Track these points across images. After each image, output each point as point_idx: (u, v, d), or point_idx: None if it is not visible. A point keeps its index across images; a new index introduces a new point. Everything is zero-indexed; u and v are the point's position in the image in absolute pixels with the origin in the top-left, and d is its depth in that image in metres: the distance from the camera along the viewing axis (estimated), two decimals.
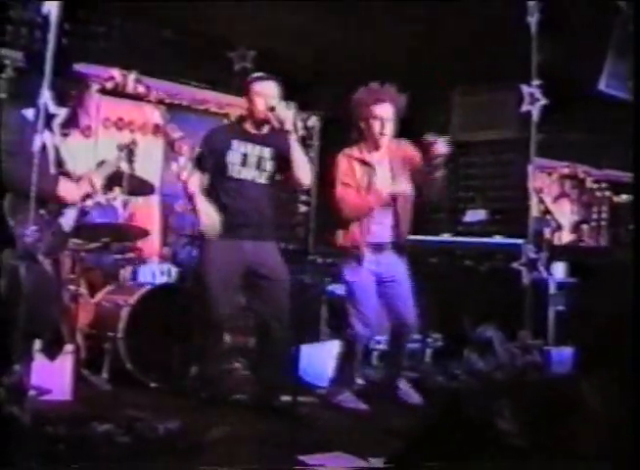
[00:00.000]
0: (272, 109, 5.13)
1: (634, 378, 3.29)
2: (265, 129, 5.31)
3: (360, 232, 5.56)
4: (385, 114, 5.58)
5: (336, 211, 5.65)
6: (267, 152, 5.32)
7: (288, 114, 5.13)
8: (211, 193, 5.26)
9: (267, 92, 5.23)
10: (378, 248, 5.63)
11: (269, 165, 5.34)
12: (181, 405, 5.26)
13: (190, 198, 5.26)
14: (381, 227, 5.63)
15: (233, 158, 5.26)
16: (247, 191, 5.28)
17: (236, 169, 5.26)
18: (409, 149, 5.71)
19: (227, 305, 5.33)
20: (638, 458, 2.94)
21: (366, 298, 5.60)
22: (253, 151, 5.30)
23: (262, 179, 5.34)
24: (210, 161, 5.27)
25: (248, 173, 5.29)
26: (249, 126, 5.35)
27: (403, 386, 5.75)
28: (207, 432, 4.54)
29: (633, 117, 4.63)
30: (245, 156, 5.27)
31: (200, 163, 5.30)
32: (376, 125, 5.57)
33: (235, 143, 5.27)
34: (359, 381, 5.91)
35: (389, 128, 5.61)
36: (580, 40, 6.80)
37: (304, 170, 5.26)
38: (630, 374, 3.39)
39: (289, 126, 5.11)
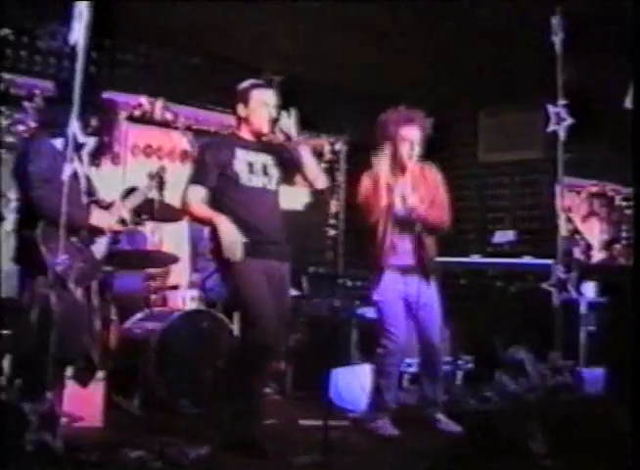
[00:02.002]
0: (275, 120, 5.06)
1: None
2: (264, 137, 5.19)
3: (383, 252, 5.55)
4: (413, 136, 5.59)
5: (361, 228, 5.65)
6: (270, 159, 5.19)
7: (290, 123, 5.03)
8: (222, 206, 5.05)
9: (269, 101, 5.13)
10: (403, 270, 5.62)
11: (275, 172, 5.21)
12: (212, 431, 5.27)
13: (203, 220, 5.16)
14: (403, 249, 5.62)
15: (240, 166, 5.07)
16: (260, 199, 5.11)
17: (246, 177, 5.07)
18: (432, 172, 5.73)
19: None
20: None
21: (394, 317, 5.58)
22: (257, 158, 5.14)
23: (272, 185, 5.20)
24: (215, 172, 5.05)
25: (258, 181, 5.11)
26: (247, 135, 5.19)
27: (442, 417, 5.69)
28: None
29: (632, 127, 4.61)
30: (250, 164, 5.10)
31: (201, 177, 5.11)
32: (404, 148, 5.58)
33: (239, 152, 5.10)
34: (393, 405, 5.76)
35: (417, 151, 5.61)
36: (605, 58, 6.79)
37: (316, 174, 5.20)
38: None
39: (294, 135, 5.03)
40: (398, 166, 5.64)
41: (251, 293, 4.92)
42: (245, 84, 5.25)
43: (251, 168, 5.11)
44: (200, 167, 5.11)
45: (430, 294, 5.68)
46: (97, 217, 5.10)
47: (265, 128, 5.10)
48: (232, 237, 4.86)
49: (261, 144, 5.18)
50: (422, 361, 5.80)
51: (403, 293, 5.63)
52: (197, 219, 5.28)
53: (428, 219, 5.62)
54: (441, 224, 5.71)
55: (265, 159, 5.17)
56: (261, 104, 5.11)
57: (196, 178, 5.08)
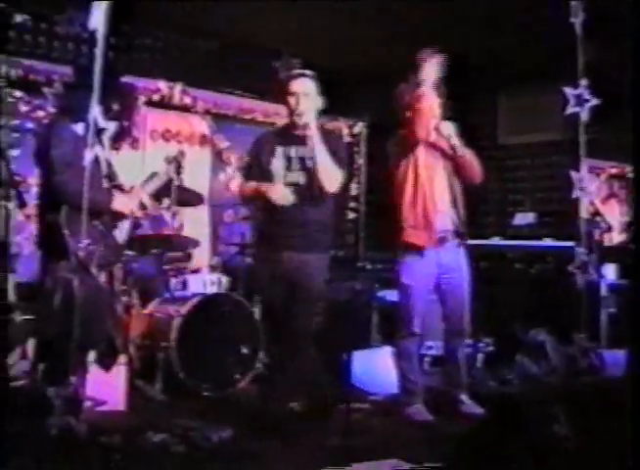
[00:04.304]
0: (317, 110, 5.03)
1: None
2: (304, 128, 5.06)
3: (425, 223, 5.47)
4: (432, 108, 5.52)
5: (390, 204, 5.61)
6: (309, 151, 5.05)
7: (308, 113, 4.98)
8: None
9: (298, 90, 5.05)
10: (441, 239, 5.56)
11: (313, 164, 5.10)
12: (234, 414, 5.29)
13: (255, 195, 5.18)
14: (441, 215, 5.52)
15: (278, 164, 5.08)
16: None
17: (281, 175, 5.07)
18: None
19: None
20: None
21: (421, 300, 5.53)
22: (297, 152, 5.08)
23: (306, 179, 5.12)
24: (257, 170, 5.13)
25: (292, 177, 5.07)
26: (291, 128, 5.15)
27: (465, 399, 5.65)
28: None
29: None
30: (289, 159, 5.07)
31: (247, 172, 5.25)
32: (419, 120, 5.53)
33: (279, 149, 5.09)
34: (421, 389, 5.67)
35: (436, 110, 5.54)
36: (626, 39, 6.73)
37: (328, 176, 4.98)
38: None
39: (313, 130, 4.96)
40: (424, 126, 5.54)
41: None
42: (284, 75, 5.24)
43: (290, 165, 5.08)
44: (245, 163, 5.34)
45: (459, 260, 5.61)
46: (119, 202, 5.11)
47: (305, 119, 5.00)
48: (281, 192, 4.98)
49: (304, 136, 5.04)
50: (446, 343, 5.75)
51: (438, 264, 5.54)
52: (249, 197, 5.34)
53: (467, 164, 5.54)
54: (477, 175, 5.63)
55: (305, 151, 5.06)
56: (290, 94, 5.05)
57: (243, 173, 5.26)
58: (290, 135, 5.12)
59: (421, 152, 5.52)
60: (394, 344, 5.79)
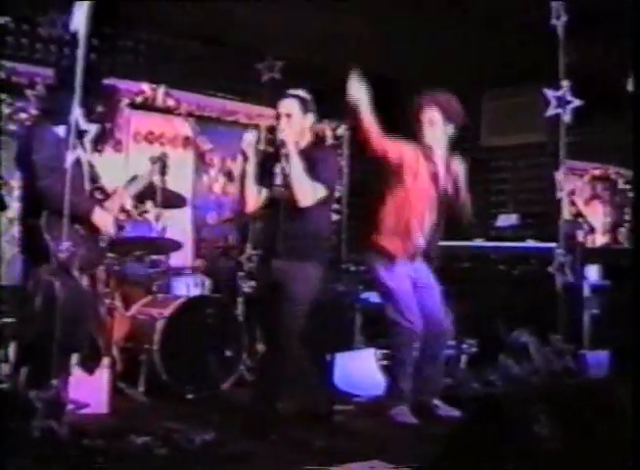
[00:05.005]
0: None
1: None
2: (302, 145, 5.18)
3: (405, 232, 5.55)
4: (432, 118, 5.59)
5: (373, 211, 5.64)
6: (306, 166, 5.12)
7: (285, 132, 5.08)
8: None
9: (281, 111, 5.18)
10: (413, 254, 5.63)
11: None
12: (217, 416, 5.29)
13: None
14: (417, 232, 5.62)
15: (275, 180, 5.11)
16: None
17: (278, 191, 5.10)
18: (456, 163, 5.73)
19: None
20: None
21: (410, 305, 5.55)
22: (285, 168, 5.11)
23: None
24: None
25: (280, 191, 5.11)
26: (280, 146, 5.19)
27: (439, 403, 5.67)
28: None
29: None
30: (284, 176, 5.09)
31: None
32: (425, 128, 5.59)
33: (277, 166, 5.13)
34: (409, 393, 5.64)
35: (439, 133, 5.62)
36: (608, 40, 6.77)
37: (301, 191, 5.02)
38: None
39: (289, 148, 5.03)
40: (425, 147, 5.63)
41: None
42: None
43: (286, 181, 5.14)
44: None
45: (430, 276, 5.69)
46: (99, 218, 5.09)
47: (283, 137, 5.08)
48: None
49: (300, 152, 5.12)
50: (424, 346, 5.73)
51: (412, 277, 5.62)
52: None
53: (457, 201, 5.64)
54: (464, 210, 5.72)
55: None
56: (282, 115, 5.17)
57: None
58: (281, 153, 5.16)
59: (422, 164, 5.57)
60: (385, 347, 5.79)
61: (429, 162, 5.61)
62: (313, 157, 5.13)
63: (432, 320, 5.61)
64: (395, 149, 5.54)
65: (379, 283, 5.72)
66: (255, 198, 5.20)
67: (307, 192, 5.05)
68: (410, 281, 5.61)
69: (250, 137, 5.18)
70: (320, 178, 5.09)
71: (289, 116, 5.14)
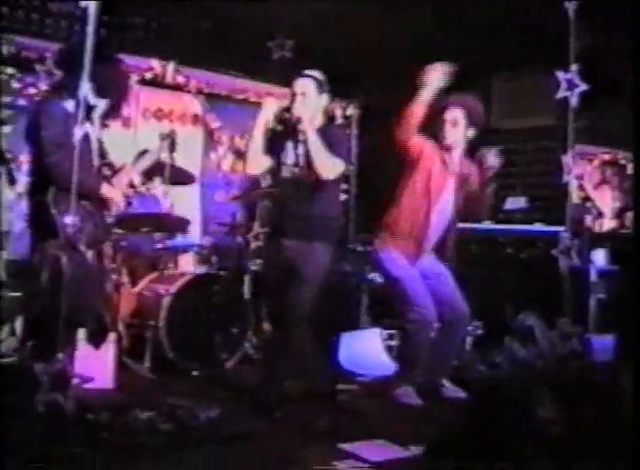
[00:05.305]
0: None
1: None
2: (316, 124, 5.16)
3: (422, 238, 5.59)
4: (454, 118, 5.59)
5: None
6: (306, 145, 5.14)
7: (301, 109, 5.09)
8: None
9: (297, 90, 5.18)
10: (419, 253, 5.64)
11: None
12: (222, 393, 5.31)
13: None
14: (431, 234, 5.65)
15: (287, 159, 5.19)
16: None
17: (289, 170, 5.17)
18: (469, 167, 5.72)
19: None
20: None
21: (419, 291, 5.52)
22: (299, 147, 5.17)
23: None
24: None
25: (294, 170, 5.18)
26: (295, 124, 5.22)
27: (447, 383, 5.69)
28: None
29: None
30: (297, 156, 5.16)
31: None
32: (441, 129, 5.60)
33: (289, 144, 5.19)
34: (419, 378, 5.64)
35: (459, 133, 5.61)
36: (618, 24, 6.73)
37: (322, 165, 5.03)
38: None
39: (305, 125, 5.05)
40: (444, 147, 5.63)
41: None
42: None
43: (297, 161, 5.17)
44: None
45: (439, 264, 5.69)
46: (107, 191, 5.10)
47: (298, 115, 5.10)
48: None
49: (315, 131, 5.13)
50: (443, 331, 5.67)
51: (420, 268, 5.63)
52: None
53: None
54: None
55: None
56: (298, 95, 5.17)
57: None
58: (297, 130, 5.18)
59: (438, 163, 5.59)
60: (391, 327, 5.78)
61: (446, 161, 5.60)
62: (327, 135, 5.12)
63: (448, 307, 5.60)
64: (418, 144, 5.54)
65: (384, 273, 5.73)
66: (259, 163, 5.21)
67: (328, 165, 5.06)
68: (418, 269, 5.61)
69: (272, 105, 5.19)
70: (337, 154, 5.11)
71: (304, 95, 5.14)
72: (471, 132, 5.64)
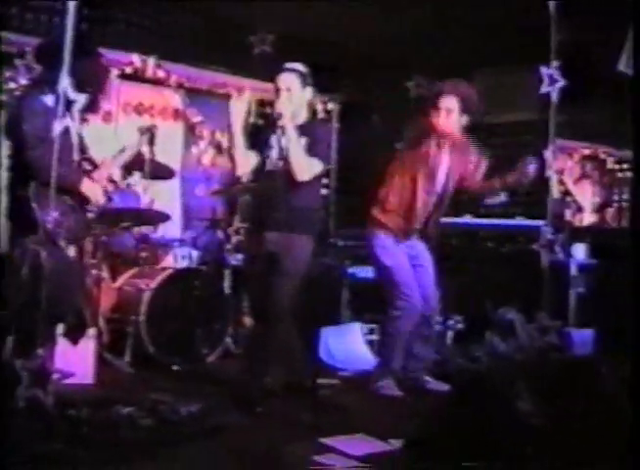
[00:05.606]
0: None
1: None
2: (299, 120, 5.16)
3: (411, 215, 5.59)
4: (449, 105, 5.59)
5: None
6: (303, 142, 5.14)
7: (283, 105, 5.06)
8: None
9: (281, 85, 5.16)
10: (411, 231, 5.65)
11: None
12: (203, 388, 5.31)
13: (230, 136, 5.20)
14: (422, 211, 5.66)
15: (270, 152, 5.18)
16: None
17: (273, 163, 5.15)
18: (470, 151, 5.76)
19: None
20: None
21: (408, 279, 5.57)
22: (281, 141, 5.12)
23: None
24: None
25: (276, 164, 5.15)
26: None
27: (428, 377, 5.71)
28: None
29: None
30: (280, 149, 5.12)
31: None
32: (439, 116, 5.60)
33: (273, 138, 5.16)
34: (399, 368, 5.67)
35: (453, 120, 5.61)
36: (599, 20, 6.76)
37: (298, 166, 5.02)
38: None
39: (285, 121, 5.01)
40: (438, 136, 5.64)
41: None
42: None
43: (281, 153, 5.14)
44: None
45: (426, 254, 5.71)
46: (88, 188, 5.10)
47: (280, 111, 5.07)
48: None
49: (298, 127, 5.12)
50: (419, 323, 5.69)
51: (409, 255, 5.65)
52: None
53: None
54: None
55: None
56: (282, 90, 5.14)
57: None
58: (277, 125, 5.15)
59: (432, 147, 5.59)
60: (373, 321, 5.80)
61: (439, 147, 5.62)
62: (309, 132, 5.13)
63: (426, 298, 5.63)
64: (425, 125, 5.57)
65: (375, 260, 5.73)
66: (247, 161, 5.19)
67: (305, 167, 5.06)
68: (407, 258, 5.63)
69: (239, 102, 5.17)
70: (316, 154, 5.11)
71: (289, 90, 5.13)
72: (464, 120, 5.63)
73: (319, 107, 9.06)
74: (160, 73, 8.10)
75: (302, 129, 5.09)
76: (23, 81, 6.85)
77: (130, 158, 5.57)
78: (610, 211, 9.73)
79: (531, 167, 5.60)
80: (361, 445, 4.27)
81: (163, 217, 6.81)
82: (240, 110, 5.13)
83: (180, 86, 8.36)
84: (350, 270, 7.31)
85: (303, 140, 5.06)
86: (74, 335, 5.18)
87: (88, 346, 5.31)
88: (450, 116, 5.58)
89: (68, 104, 4.56)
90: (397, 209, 5.61)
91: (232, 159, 5.29)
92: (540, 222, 6.16)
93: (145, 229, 6.67)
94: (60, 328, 4.99)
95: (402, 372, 5.60)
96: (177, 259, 6.78)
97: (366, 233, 5.75)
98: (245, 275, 6.06)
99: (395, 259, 5.61)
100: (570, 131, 8.45)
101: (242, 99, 5.20)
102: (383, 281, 5.69)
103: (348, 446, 4.20)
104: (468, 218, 8.05)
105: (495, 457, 3.14)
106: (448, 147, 5.65)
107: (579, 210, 8.82)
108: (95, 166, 5.27)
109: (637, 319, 3.70)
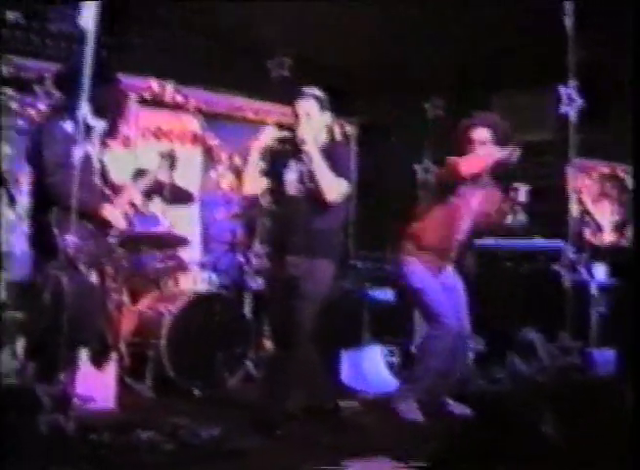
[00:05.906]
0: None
1: None
2: (319, 143, 5.17)
3: (447, 253, 5.64)
4: (480, 137, 5.59)
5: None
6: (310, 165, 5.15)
7: (305, 130, 5.09)
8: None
9: (300, 111, 5.19)
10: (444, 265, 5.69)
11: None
12: (224, 412, 5.31)
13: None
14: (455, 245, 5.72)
15: (291, 176, 5.21)
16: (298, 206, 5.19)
17: (294, 187, 5.19)
18: (496, 193, 5.78)
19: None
20: None
21: (441, 301, 5.56)
22: (304, 166, 5.17)
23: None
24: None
25: (300, 188, 5.18)
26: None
27: (450, 400, 5.67)
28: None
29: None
30: (300, 172, 5.17)
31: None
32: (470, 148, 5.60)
33: (292, 162, 5.21)
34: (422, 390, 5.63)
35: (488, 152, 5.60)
36: (616, 39, 6.75)
37: (327, 187, 5.04)
38: None
39: (309, 146, 5.05)
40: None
41: None
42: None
43: (302, 177, 5.18)
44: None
45: (456, 277, 5.73)
46: (109, 213, 5.14)
47: (302, 136, 5.09)
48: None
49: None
50: (453, 345, 5.59)
51: (440, 280, 5.66)
52: None
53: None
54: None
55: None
56: (302, 115, 5.17)
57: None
58: (298, 150, 5.19)
59: (461, 192, 5.61)
60: (396, 343, 5.78)
61: (468, 191, 5.62)
62: (331, 154, 5.15)
63: (460, 319, 5.61)
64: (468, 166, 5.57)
65: (405, 284, 5.71)
66: (257, 184, 5.23)
67: (334, 188, 5.08)
68: (438, 281, 5.63)
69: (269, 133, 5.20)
70: (341, 174, 5.13)
71: (308, 115, 5.16)
72: (501, 152, 5.59)
73: (337, 130, 9.10)
74: (179, 98, 8.15)
75: (323, 152, 5.11)
76: (43, 107, 6.90)
77: (151, 182, 5.60)
78: (629, 230, 9.68)
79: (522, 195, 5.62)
80: (382, 467, 4.25)
81: (183, 242, 6.84)
82: (268, 138, 5.16)
83: (198, 110, 8.40)
84: (370, 292, 7.30)
85: (326, 162, 5.07)
86: (99, 359, 5.19)
87: (109, 370, 5.32)
88: (484, 148, 5.56)
89: (88, 130, 4.60)
90: (432, 248, 5.61)
91: (241, 179, 5.33)
92: (559, 242, 6.14)
93: (167, 253, 6.69)
94: (82, 353, 5.00)
95: (426, 394, 5.58)
96: (197, 283, 6.79)
97: (394, 260, 5.76)
98: (265, 299, 6.08)
99: (426, 282, 5.61)
100: (588, 150, 8.43)
101: (273, 129, 5.23)
102: (414, 305, 5.70)
103: (369, 468, 4.19)
104: (487, 239, 8.04)
105: None
106: (477, 188, 5.64)
107: (598, 229, 8.77)
108: (116, 191, 5.30)
109: None
